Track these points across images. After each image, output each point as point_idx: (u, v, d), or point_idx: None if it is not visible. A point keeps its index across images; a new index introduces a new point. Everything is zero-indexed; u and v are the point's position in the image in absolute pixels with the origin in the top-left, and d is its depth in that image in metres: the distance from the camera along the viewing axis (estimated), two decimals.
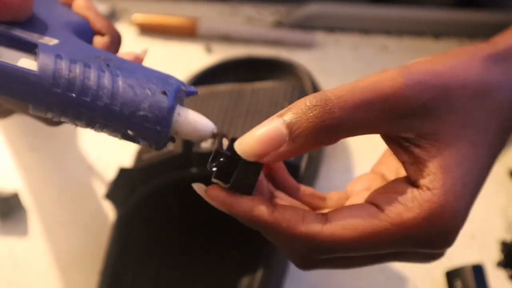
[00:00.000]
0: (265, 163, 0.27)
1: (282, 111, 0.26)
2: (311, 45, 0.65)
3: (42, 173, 0.51)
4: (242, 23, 0.68)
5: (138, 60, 0.29)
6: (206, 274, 0.43)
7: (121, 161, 0.46)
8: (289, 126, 0.25)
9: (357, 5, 0.68)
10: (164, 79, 0.27)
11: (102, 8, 0.67)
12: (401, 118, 0.26)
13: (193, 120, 0.27)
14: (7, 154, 0.52)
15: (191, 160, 0.40)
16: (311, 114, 0.25)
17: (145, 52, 0.30)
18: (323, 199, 0.32)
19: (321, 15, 0.66)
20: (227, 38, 0.65)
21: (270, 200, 0.30)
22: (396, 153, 0.28)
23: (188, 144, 0.39)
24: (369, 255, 0.28)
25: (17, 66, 0.25)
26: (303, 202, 0.32)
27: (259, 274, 0.39)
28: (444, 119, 0.26)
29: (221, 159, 0.27)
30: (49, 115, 0.25)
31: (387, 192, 0.27)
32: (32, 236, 0.47)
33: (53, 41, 0.27)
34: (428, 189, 0.26)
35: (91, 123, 0.26)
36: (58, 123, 0.27)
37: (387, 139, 0.28)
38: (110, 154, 0.51)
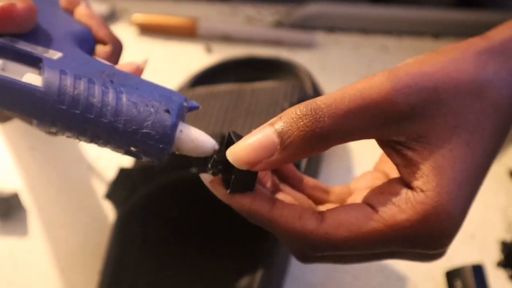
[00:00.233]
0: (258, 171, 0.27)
1: (273, 119, 0.26)
2: (311, 45, 0.65)
3: (42, 173, 0.51)
4: (242, 23, 0.68)
5: (139, 70, 0.30)
6: (206, 274, 0.43)
7: (121, 161, 0.46)
8: (280, 134, 0.25)
9: (357, 5, 0.68)
10: (167, 96, 0.27)
11: (102, 8, 0.67)
12: (391, 123, 0.26)
13: (195, 137, 0.27)
14: (7, 154, 0.52)
15: (191, 160, 0.40)
16: (301, 123, 0.25)
17: (145, 62, 0.30)
18: (326, 192, 0.32)
19: (321, 15, 0.66)
20: (227, 38, 0.65)
21: (273, 194, 0.30)
22: (389, 156, 0.28)
23: None
24: (365, 253, 0.29)
25: (22, 82, 0.25)
26: (306, 195, 0.32)
27: (259, 274, 0.39)
28: (435, 120, 0.26)
29: (219, 167, 0.27)
30: (53, 130, 0.26)
31: (382, 193, 0.27)
32: (32, 236, 0.47)
33: (57, 55, 0.27)
34: (422, 191, 0.26)
35: (94, 139, 0.26)
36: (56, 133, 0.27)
37: (380, 142, 0.28)
38: (110, 154, 0.50)
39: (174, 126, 0.26)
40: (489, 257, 0.46)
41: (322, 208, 0.31)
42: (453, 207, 0.26)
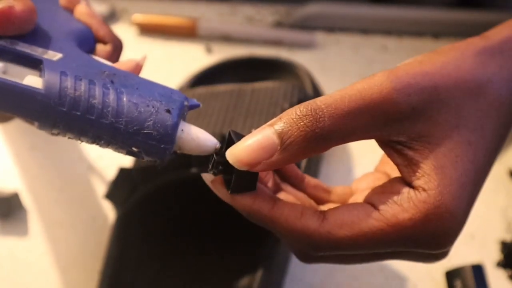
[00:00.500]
0: (258, 171, 0.27)
1: (272, 120, 0.26)
2: (311, 45, 0.65)
3: (42, 173, 0.51)
4: (242, 23, 0.68)
5: (138, 67, 0.29)
6: (206, 274, 0.43)
7: (121, 161, 0.46)
8: (280, 135, 0.25)
9: (357, 5, 0.68)
10: (167, 95, 0.27)
11: (102, 8, 0.67)
12: (391, 123, 0.26)
13: (196, 136, 0.27)
14: (8, 154, 0.52)
15: (191, 160, 0.40)
16: (301, 123, 0.25)
17: (144, 58, 0.30)
18: (327, 191, 0.32)
19: (321, 15, 0.66)
20: (227, 38, 0.65)
21: (274, 193, 0.30)
22: (390, 156, 0.28)
23: None
24: (367, 253, 0.28)
25: (23, 85, 0.25)
26: (308, 194, 0.32)
27: (259, 274, 0.39)
28: (436, 120, 0.26)
29: (220, 167, 0.27)
30: (55, 132, 0.26)
31: (384, 192, 0.27)
32: (32, 236, 0.47)
33: (57, 55, 0.27)
34: (424, 190, 0.26)
35: (96, 140, 0.26)
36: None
37: (381, 143, 0.28)
38: (110, 154, 0.50)
39: (175, 126, 0.26)
40: (489, 257, 0.46)
41: (323, 208, 0.31)
42: (456, 206, 0.26)
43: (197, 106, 0.29)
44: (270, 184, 0.31)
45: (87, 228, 0.47)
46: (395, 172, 0.32)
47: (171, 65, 0.62)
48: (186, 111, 0.28)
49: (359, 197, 0.31)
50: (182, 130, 0.27)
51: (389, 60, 0.64)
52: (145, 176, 0.41)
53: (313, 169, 0.49)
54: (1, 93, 0.24)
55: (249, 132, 0.27)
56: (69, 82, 0.25)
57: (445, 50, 0.28)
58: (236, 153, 0.26)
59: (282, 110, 0.45)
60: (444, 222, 0.26)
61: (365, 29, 0.67)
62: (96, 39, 0.32)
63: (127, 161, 0.46)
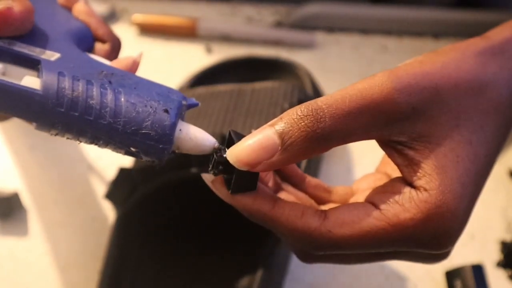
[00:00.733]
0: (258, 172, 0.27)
1: (273, 120, 0.26)
2: (311, 45, 0.65)
3: (42, 173, 0.51)
4: (242, 23, 0.68)
5: (135, 64, 0.29)
6: (206, 274, 0.43)
7: (121, 161, 0.46)
8: (281, 135, 0.25)
9: (357, 5, 0.68)
10: (165, 94, 0.27)
11: (102, 8, 0.67)
12: (392, 123, 0.26)
13: (194, 136, 0.27)
14: (7, 154, 0.52)
15: (191, 160, 0.40)
16: (302, 123, 0.25)
17: (140, 55, 0.30)
18: (328, 191, 0.32)
19: (321, 15, 0.66)
20: (227, 38, 0.65)
21: (275, 193, 0.30)
22: (390, 156, 0.28)
23: None
24: (368, 253, 0.28)
25: (21, 86, 0.25)
26: (308, 194, 0.32)
27: (259, 274, 0.39)
28: (436, 120, 0.26)
29: (220, 167, 0.27)
30: (53, 132, 0.26)
31: (385, 192, 0.27)
32: (32, 236, 0.47)
33: (55, 55, 0.27)
34: (425, 190, 0.26)
35: (94, 140, 0.26)
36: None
37: (381, 143, 0.28)
38: (110, 154, 0.50)
39: (173, 126, 0.26)
40: (489, 257, 0.46)
41: (324, 207, 0.31)
42: (457, 206, 0.26)
43: (195, 105, 0.29)
44: (270, 184, 0.31)
45: (87, 228, 0.47)
46: (396, 173, 0.32)
47: (171, 65, 0.62)
48: (184, 111, 0.28)
49: (360, 197, 0.31)
50: (180, 130, 0.27)
51: (389, 60, 0.64)
52: (145, 176, 0.41)
53: (313, 169, 0.49)
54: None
55: (249, 132, 0.27)
56: (67, 83, 0.25)
57: (445, 50, 0.28)
58: (237, 153, 0.26)
59: (282, 110, 0.45)
60: (445, 222, 0.26)
61: (365, 29, 0.67)
62: (94, 38, 0.32)
63: (127, 161, 0.46)
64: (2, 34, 0.26)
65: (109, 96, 0.26)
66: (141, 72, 0.30)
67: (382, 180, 0.32)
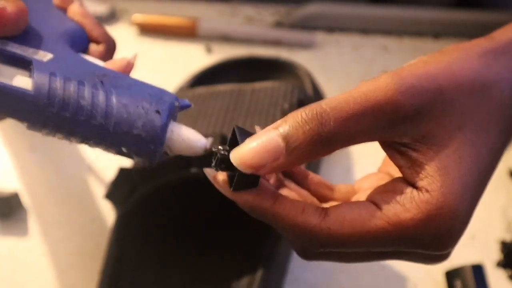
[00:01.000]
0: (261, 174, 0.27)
1: (277, 123, 0.26)
2: (311, 45, 0.65)
3: (42, 173, 0.51)
4: (242, 23, 0.68)
5: (129, 65, 0.29)
6: (206, 274, 0.43)
7: (121, 161, 0.46)
8: (286, 138, 0.25)
9: (357, 5, 0.68)
10: (158, 95, 0.27)
11: (102, 8, 0.67)
12: (395, 125, 0.26)
13: (186, 137, 0.27)
14: (7, 154, 0.52)
15: (191, 160, 0.40)
16: (307, 127, 0.25)
17: (135, 57, 0.30)
18: (331, 189, 0.32)
19: (321, 15, 0.66)
20: (227, 38, 0.65)
21: (277, 189, 0.30)
22: (392, 158, 0.27)
23: None
24: (368, 251, 0.28)
25: (12, 86, 0.25)
26: (311, 191, 0.32)
27: (259, 274, 0.39)
28: (440, 121, 0.26)
29: (222, 165, 0.27)
30: (44, 132, 0.26)
31: (386, 191, 0.27)
32: (32, 236, 0.47)
33: (48, 56, 0.27)
34: (427, 190, 0.26)
35: (85, 140, 0.26)
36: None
37: (383, 144, 0.28)
38: (110, 154, 0.51)
39: (164, 127, 0.26)
40: (489, 257, 0.46)
41: (326, 205, 0.31)
42: (459, 207, 0.26)
43: (188, 106, 0.29)
44: (272, 180, 0.31)
45: (87, 228, 0.47)
46: (398, 173, 0.31)
47: (171, 65, 0.62)
48: (177, 112, 0.28)
49: (361, 196, 0.31)
50: (172, 131, 0.27)
51: (389, 60, 0.64)
52: (145, 176, 0.41)
53: (313, 169, 0.49)
54: None
55: (252, 131, 0.27)
56: (58, 83, 0.25)
57: (449, 51, 0.28)
58: (241, 156, 0.26)
59: (282, 110, 0.45)
60: (446, 223, 0.26)
61: (365, 29, 0.67)
62: (89, 39, 0.32)
63: (127, 161, 0.46)
64: None
65: (101, 97, 0.26)
66: (141, 72, 0.30)
67: (384, 180, 0.32)
